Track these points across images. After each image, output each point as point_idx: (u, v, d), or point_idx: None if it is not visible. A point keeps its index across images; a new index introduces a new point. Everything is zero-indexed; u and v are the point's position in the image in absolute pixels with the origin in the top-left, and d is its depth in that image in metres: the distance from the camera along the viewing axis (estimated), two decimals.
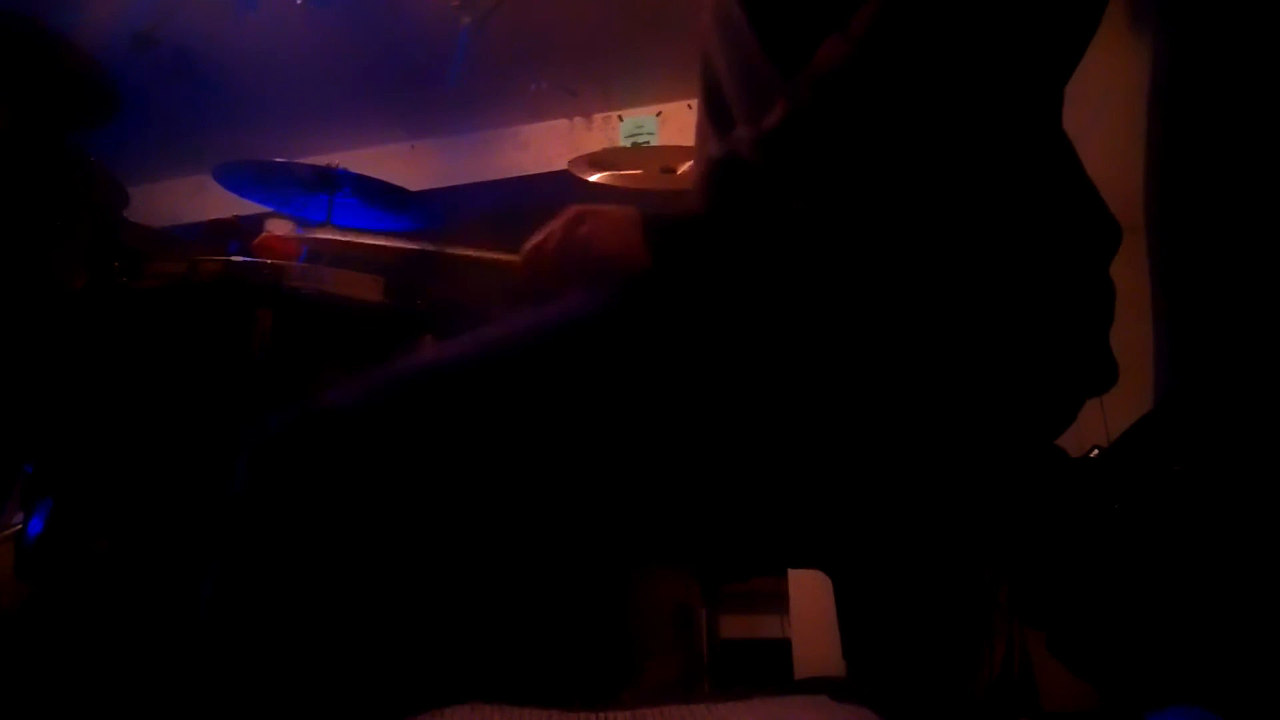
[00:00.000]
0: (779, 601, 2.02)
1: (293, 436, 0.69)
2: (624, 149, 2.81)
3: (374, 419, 0.69)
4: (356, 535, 0.66)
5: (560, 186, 2.37)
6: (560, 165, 2.29)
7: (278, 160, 2.22)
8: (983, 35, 0.70)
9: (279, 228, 2.20)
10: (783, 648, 1.98)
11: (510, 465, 0.71)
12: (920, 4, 0.70)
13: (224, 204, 2.70)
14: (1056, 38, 0.76)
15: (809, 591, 1.94)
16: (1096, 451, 0.94)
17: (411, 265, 0.94)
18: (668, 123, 3.05)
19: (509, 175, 3.18)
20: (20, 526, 1.52)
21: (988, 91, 0.72)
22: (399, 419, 0.70)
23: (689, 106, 3.01)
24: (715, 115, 0.91)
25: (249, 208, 2.53)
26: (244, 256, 1.67)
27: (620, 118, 3.11)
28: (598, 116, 3.13)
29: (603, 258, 0.79)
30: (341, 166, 2.22)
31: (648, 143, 3.02)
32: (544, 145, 3.17)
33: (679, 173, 2.05)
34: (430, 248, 0.94)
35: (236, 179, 2.36)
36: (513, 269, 0.90)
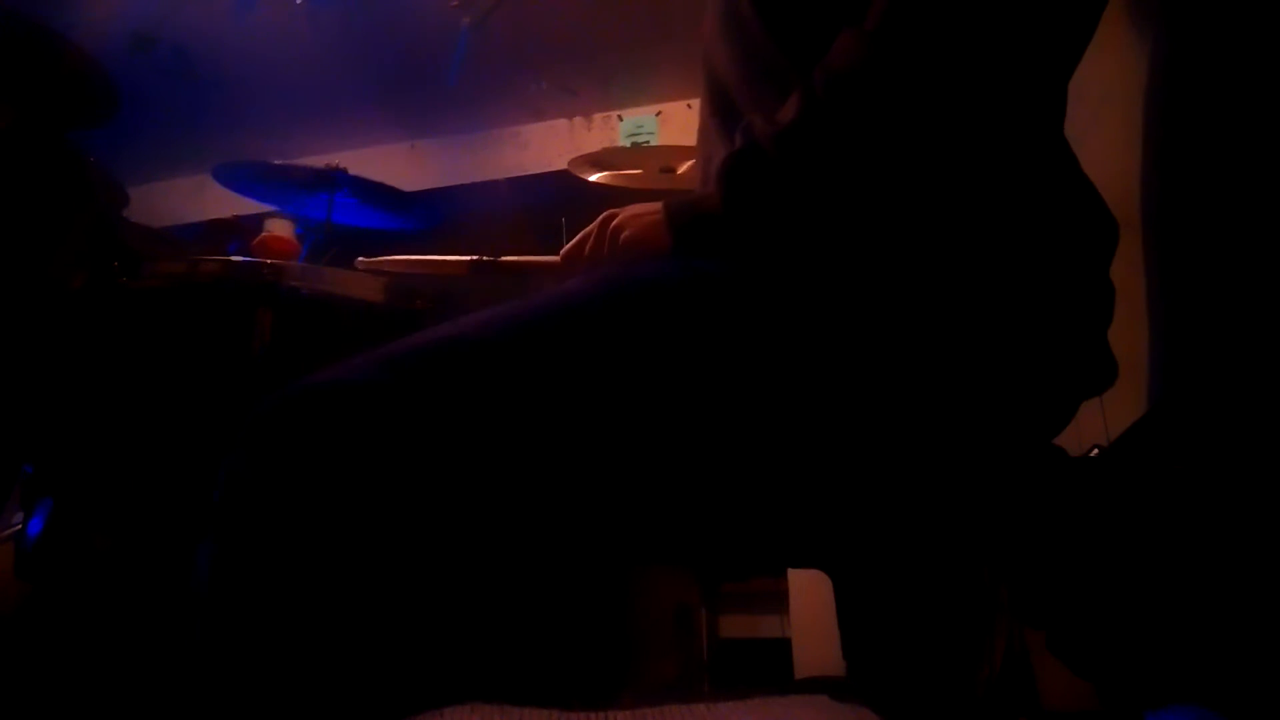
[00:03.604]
0: (779, 601, 2.02)
1: (292, 416, 0.68)
2: (624, 149, 2.81)
3: (376, 400, 0.69)
4: (356, 531, 0.66)
5: (560, 186, 2.37)
6: (560, 165, 2.29)
7: (277, 161, 2.22)
8: (991, 32, 0.70)
9: (279, 228, 2.21)
10: (783, 648, 1.98)
11: (512, 457, 0.70)
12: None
13: (224, 204, 2.70)
14: (1059, 32, 0.77)
15: (809, 591, 1.94)
16: (1096, 451, 0.94)
17: (468, 278, 1.04)
18: (668, 123, 3.05)
19: (509, 175, 3.18)
20: (20, 526, 1.52)
21: (996, 89, 0.72)
22: (401, 403, 0.69)
23: (689, 106, 3.01)
24: (722, 115, 0.91)
25: (249, 208, 2.53)
26: (244, 256, 1.68)
27: (620, 118, 3.11)
28: (598, 116, 3.13)
29: (630, 243, 0.85)
30: (341, 166, 2.22)
31: (648, 143, 3.01)
32: (544, 145, 3.16)
33: (679, 173, 2.05)
34: (485, 258, 1.03)
35: (236, 179, 2.37)
36: (554, 270, 0.97)
